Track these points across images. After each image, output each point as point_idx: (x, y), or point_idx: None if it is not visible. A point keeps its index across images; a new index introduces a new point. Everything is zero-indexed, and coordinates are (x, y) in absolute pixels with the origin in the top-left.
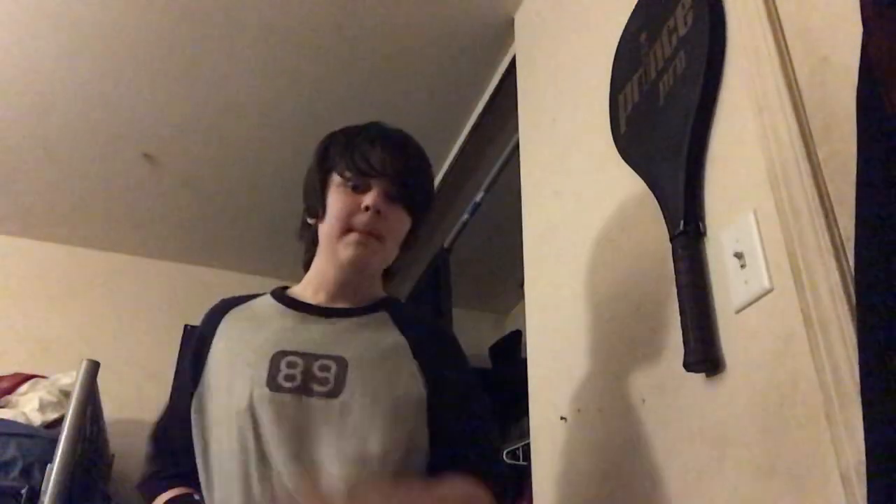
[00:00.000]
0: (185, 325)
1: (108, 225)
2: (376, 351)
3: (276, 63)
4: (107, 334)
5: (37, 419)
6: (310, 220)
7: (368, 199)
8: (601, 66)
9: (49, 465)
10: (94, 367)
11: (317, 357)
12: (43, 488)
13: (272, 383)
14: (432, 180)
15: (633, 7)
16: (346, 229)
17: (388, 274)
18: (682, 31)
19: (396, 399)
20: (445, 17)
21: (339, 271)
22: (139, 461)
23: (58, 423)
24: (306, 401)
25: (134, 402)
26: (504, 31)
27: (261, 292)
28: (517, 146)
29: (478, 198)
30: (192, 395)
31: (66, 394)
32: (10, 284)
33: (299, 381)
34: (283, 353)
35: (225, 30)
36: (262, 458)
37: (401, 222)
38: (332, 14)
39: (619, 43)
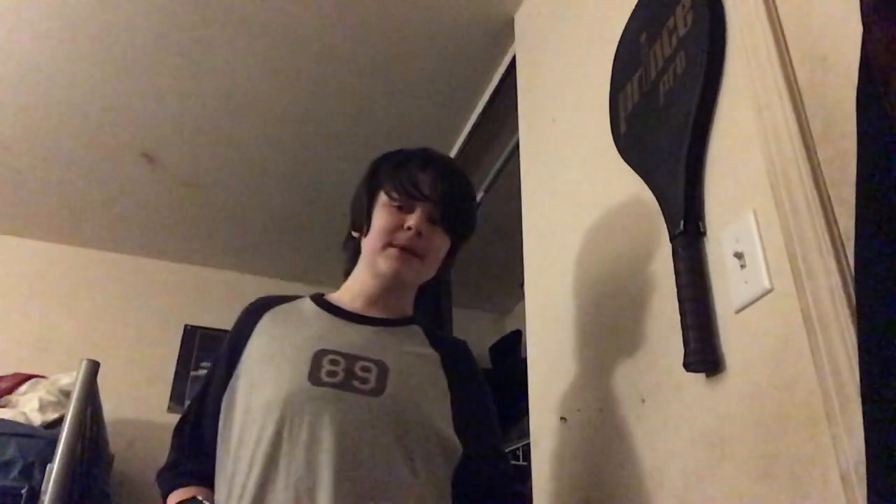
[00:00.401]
0: (185, 325)
1: (108, 225)
2: (412, 359)
3: (276, 63)
4: (107, 334)
5: (37, 419)
6: (354, 234)
7: (412, 219)
8: (601, 66)
9: (49, 465)
10: (94, 367)
11: (358, 358)
12: (43, 488)
13: (314, 378)
14: (475, 207)
15: (633, 7)
16: (388, 244)
17: (421, 289)
18: (682, 31)
19: (433, 404)
20: (445, 17)
21: (376, 283)
22: (139, 461)
23: (58, 423)
24: (348, 396)
25: (134, 402)
26: (504, 31)
27: (299, 294)
28: (517, 146)
29: (478, 198)
30: (224, 388)
31: (66, 394)
32: (10, 284)
33: (341, 377)
34: (325, 352)
35: (225, 30)
36: (294, 447)
37: (440, 244)
38: (332, 14)
39: (619, 43)
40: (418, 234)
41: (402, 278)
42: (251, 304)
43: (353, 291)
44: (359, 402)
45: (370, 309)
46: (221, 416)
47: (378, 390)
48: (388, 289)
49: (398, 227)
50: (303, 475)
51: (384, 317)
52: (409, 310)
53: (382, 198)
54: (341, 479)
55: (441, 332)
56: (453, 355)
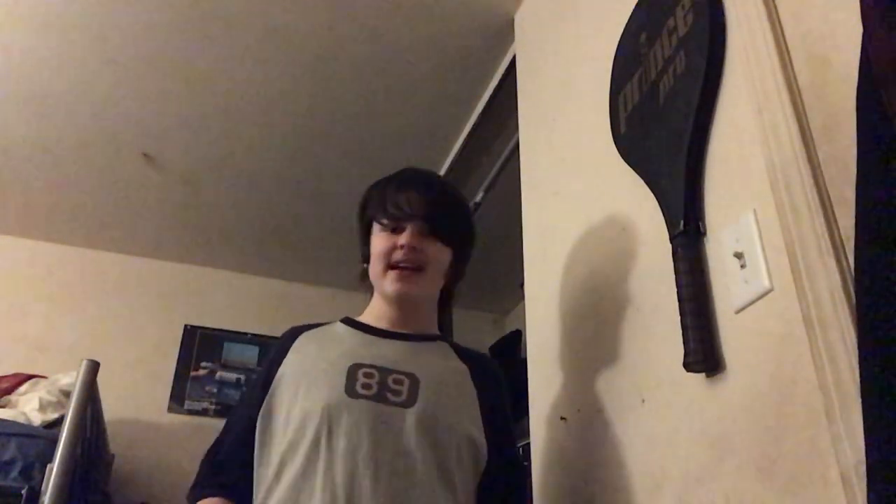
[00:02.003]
0: (185, 325)
1: (108, 225)
2: (442, 372)
3: (275, 63)
4: (107, 334)
5: (37, 419)
6: (365, 266)
7: (403, 238)
8: (601, 66)
9: (49, 465)
10: (94, 367)
11: (390, 371)
12: (43, 488)
13: (351, 391)
14: (465, 212)
15: (633, 7)
16: (387, 266)
17: (444, 304)
18: (682, 31)
19: (464, 412)
20: (445, 17)
21: (390, 305)
22: (139, 461)
23: (58, 423)
24: (383, 408)
25: (134, 402)
26: (504, 31)
27: (330, 321)
28: (517, 146)
29: (478, 198)
30: (259, 406)
31: (66, 394)
32: (10, 284)
33: (376, 390)
34: (359, 366)
35: (225, 30)
36: (333, 455)
37: (438, 254)
38: (332, 14)
39: (619, 43)
40: (412, 249)
41: (409, 296)
42: (286, 331)
43: (375, 314)
44: (393, 414)
45: (395, 328)
46: (258, 432)
47: (410, 402)
48: (403, 309)
49: (393, 248)
50: (342, 483)
51: (412, 333)
52: (433, 327)
53: (375, 226)
54: (379, 487)
55: (468, 348)
56: (481, 369)
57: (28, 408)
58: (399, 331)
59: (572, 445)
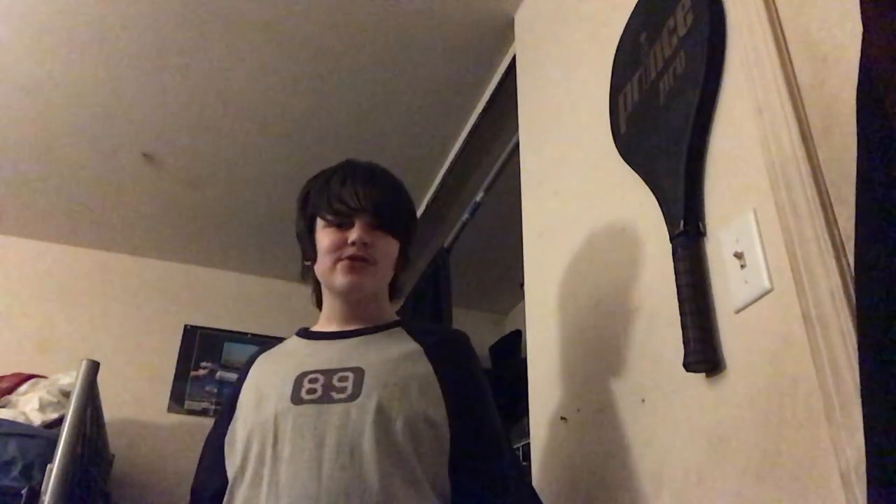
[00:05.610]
0: (185, 325)
1: (109, 225)
2: (391, 358)
3: (275, 63)
4: (107, 334)
5: (37, 419)
6: (307, 263)
7: (353, 234)
8: (601, 66)
9: (49, 465)
10: (94, 367)
11: (335, 371)
12: (43, 488)
13: (296, 398)
14: (409, 202)
15: (633, 7)
16: (337, 260)
17: (394, 293)
18: (682, 31)
19: (417, 393)
20: (445, 17)
21: (341, 300)
22: (139, 461)
23: (58, 423)
24: (328, 407)
25: (134, 402)
26: (504, 31)
27: (286, 336)
28: (517, 146)
29: (478, 198)
30: (226, 430)
31: (66, 394)
32: (10, 284)
33: (320, 392)
34: (305, 374)
35: (225, 30)
36: (277, 462)
37: (388, 246)
38: (332, 14)
39: (619, 43)
40: (363, 244)
41: (361, 287)
42: (248, 356)
43: (327, 316)
44: (337, 411)
45: (347, 325)
46: (226, 455)
47: (355, 394)
48: (354, 302)
49: (342, 244)
50: (285, 488)
51: (363, 327)
52: (387, 315)
53: (320, 222)
54: (322, 485)
55: (429, 326)
56: (438, 345)
57: (28, 408)
58: (349, 328)
59: (572, 445)
